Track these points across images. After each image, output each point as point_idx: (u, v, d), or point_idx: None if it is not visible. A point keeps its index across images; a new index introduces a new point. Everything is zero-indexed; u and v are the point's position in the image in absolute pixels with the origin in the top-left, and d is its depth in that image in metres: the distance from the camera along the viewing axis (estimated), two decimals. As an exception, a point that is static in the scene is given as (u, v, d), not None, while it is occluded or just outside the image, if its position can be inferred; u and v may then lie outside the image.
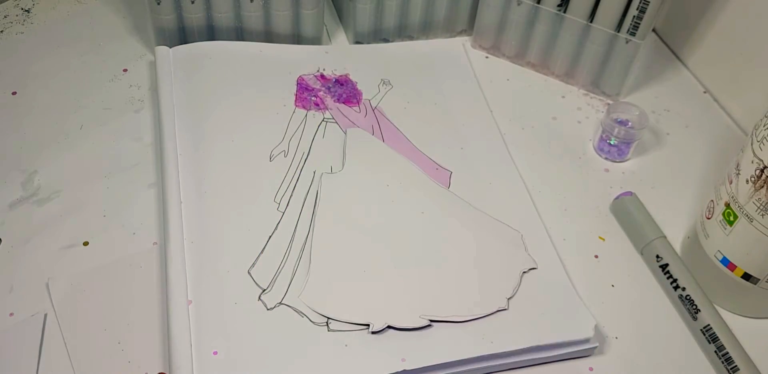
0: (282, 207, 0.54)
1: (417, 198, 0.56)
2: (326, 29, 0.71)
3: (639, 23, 0.61)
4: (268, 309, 0.49)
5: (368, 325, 0.48)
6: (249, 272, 0.51)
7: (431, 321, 0.49)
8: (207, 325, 0.47)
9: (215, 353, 0.46)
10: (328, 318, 0.49)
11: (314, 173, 0.57)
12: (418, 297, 0.50)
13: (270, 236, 0.53)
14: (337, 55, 0.67)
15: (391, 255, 0.52)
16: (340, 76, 0.65)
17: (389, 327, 0.48)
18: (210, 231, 0.52)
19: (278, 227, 0.53)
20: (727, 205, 0.49)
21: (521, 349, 0.48)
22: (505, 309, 0.50)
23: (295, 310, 0.49)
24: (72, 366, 0.47)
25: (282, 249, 0.52)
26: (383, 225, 0.54)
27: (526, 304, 0.51)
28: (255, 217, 0.54)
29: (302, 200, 0.55)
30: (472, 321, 0.49)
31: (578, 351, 0.49)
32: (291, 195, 0.55)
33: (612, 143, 0.62)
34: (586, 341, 0.49)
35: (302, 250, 0.52)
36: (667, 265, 0.54)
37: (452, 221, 0.55)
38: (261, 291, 0.50)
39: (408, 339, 0.48)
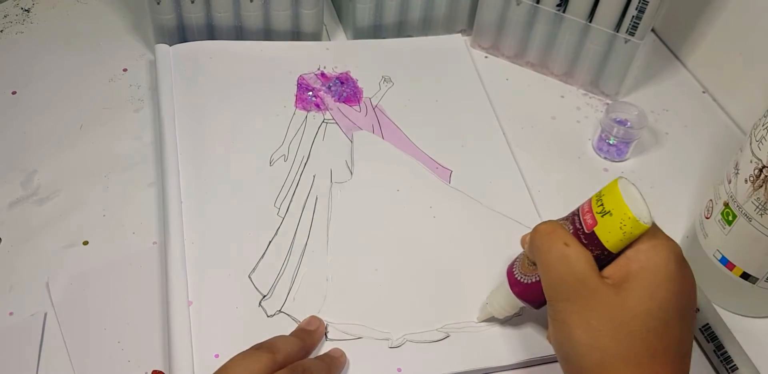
0: (282, 212, 0.54)
1: (427, 201, 0.56)
2: (325, 28, 0.71)
3: (638, 23, 0.61)
4: (268, 316, 0.49)
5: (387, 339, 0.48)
6: (249, 277, 0.50)
7: (447, 332, 0.49)
8: (208, 327, 0.47)
9: (216, 356, 0.46)
10: (357, 336, 0.48)
11: (314, 177, 0.57)
12: (432, 306, 0.50)
13: (270, 241, 0.53)
14: (338, 51, 0.67)
15: (401, 265, 0.52)
16: (341, 74, 0.65)
17: (408, 340, 0.48)
18: (210, 233, 0.52)
19: (278, 233, 0.53)
20: (726, 204, 0.49)
21: (519, 362, 0.48)
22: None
23: (294, 319, 0.49)
24: (72, 365, 0.47)
25: (282, 255, 0.52)
26: (393, 234, 0.54)
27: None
28: (255, 221, 0.53)
29: (302, 206, 0.55)
30: (476, 332, 0.49)
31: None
32: (291, 200, 0.55)
33: (611, 142, 0.62)
34: None
35: (302, 256, 0.52)
36: (666, 264, 0.54)
37: (464, 224, 0.55)
38: (261, 296, 0.50)
39: (404, 349, 0.48)
